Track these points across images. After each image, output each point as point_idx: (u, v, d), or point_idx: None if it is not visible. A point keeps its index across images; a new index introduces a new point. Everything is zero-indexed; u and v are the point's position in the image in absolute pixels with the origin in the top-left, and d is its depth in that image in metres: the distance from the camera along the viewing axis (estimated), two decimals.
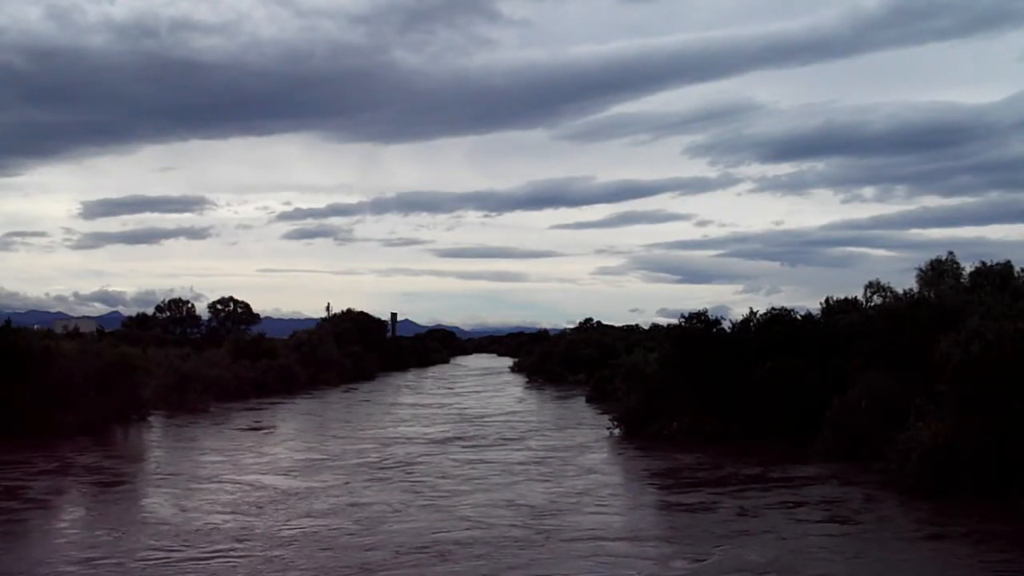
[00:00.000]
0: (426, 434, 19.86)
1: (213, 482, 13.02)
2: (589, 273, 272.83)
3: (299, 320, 72.56)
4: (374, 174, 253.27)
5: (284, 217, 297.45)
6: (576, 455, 16.27)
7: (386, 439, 18.68)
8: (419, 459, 15.66)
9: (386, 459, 15.64)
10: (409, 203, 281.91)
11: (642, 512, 11.39)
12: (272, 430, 20.96)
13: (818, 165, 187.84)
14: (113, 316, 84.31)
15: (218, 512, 10.66)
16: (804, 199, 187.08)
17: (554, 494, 12.12)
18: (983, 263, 22.85)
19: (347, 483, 13.05)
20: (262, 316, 63.15)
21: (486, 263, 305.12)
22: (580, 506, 11.32)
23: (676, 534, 9.75)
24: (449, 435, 19.59)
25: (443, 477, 13.68)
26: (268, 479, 13.31)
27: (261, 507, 11.05)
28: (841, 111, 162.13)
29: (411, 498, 11.78)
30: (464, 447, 17.44)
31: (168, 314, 61.26)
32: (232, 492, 12.15)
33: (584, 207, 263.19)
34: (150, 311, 62.18)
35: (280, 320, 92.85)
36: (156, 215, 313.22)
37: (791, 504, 11.36)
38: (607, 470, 14.79)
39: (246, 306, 60.72)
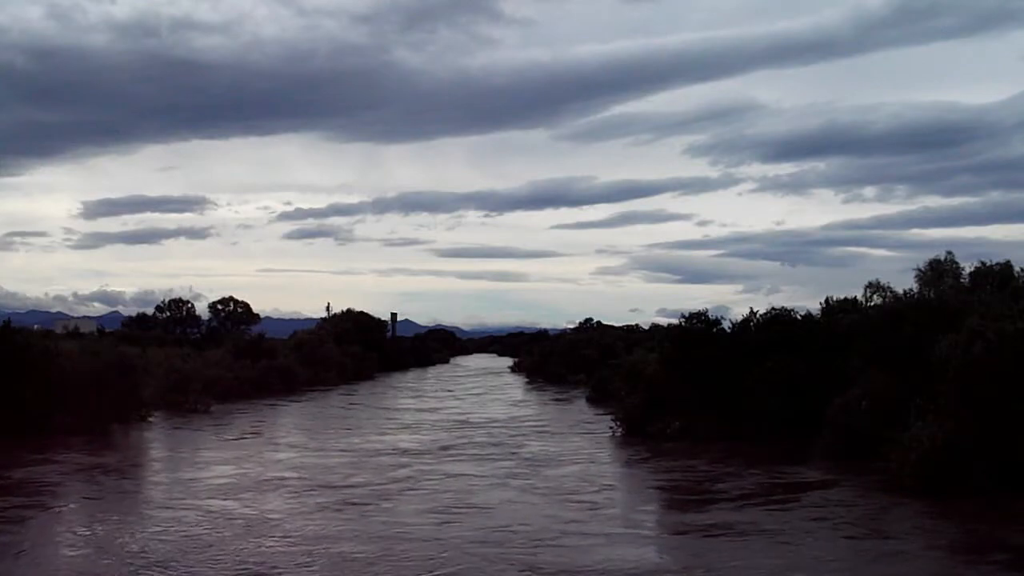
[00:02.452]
0: (419, 442, 19.24)
1: (166, 508, 11.52)
2: (589, 273, 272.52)
3: (299, 320, 72.58)
4: (375, 174, 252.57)
5: (285, 217, 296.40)
6: (578, 464, 15.96)
7: (373, 450, 17.83)
8: (406, 475, 14.31)
9: (368, 476, 14.18)
10: (410, 203, 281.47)
11: (650, 537, 10.45)
12: (259, 436, 20.28)
13: (819, 165, 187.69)
14: (113, 316, 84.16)
15: (147, 556, 8.84)
16: (805, 199, 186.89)
17: (553, 517, 10.99)
18: (983, 263, 22.88)
19: (319, 508, 11.43)
20: (262, 316, 63.26)
21: (486, 263, 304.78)
22: (583, 533, 10.18)
23: (690, 564, 8.96)
24: (443, 444, 19.00)
25: (430, 498, 12.31)
26: (229, 504, 11.74)
27: (191, 552, 8.97)
28: (843, 111, 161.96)
29: (387, 529, 10.22)
30: (458, 458, 16.60)
31: (168, 314, 61.22)
32: (179, 523, 10.49)
33: (585, 207, 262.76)
34: (150, 311, 62.24)
35: (280, 320, 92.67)
36: (156, 215, 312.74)
37: (799, 518, 11.26)
38: (611, 482, 14.29)
39: (246, 306, 60.79)
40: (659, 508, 12.66)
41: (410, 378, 50.43)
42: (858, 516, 10.90)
